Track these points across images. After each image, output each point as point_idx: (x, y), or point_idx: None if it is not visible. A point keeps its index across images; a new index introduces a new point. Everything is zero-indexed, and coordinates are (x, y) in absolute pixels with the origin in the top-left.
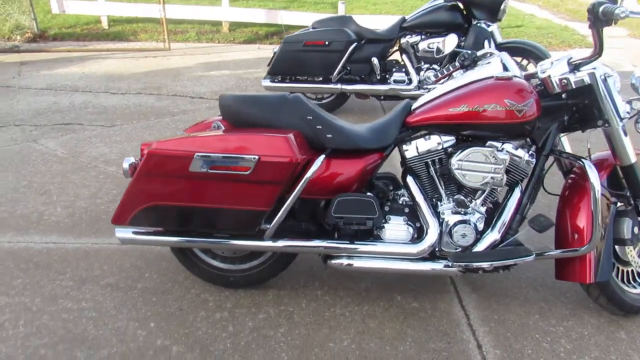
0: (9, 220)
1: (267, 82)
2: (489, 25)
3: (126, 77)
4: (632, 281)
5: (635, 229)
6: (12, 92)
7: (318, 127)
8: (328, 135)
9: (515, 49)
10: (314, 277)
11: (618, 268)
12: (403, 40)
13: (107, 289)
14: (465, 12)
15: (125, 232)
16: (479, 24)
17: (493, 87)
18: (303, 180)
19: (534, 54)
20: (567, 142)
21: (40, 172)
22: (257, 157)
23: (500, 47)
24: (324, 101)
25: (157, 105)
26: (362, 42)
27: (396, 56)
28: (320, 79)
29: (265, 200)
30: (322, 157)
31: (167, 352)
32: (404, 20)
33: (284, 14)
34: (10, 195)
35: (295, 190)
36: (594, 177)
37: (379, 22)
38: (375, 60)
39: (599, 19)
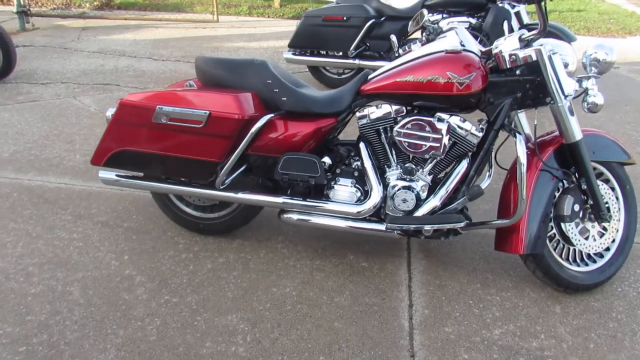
0: (34, 162)
1: (288, 55)
2: (514, 6)
3: (171, 46)
4: (578, 260)
5: (576, 207)
6: (68, 53)
7: (275, 90)
8: (283, 98)
9: None
10: (279, 233)
11: (564, 246)
12: (425, 18)
13: (98, 225)
14: None
15: (107, 174)
16: (500, 4)
17: (439, 59)
18: (248, 135)
19: (558, 37)
20: (524, 119)
21: (72, 123)
22: (208, 112)
23: (525, 28)
24: (343, 76)
25: (190, 72)
26: (382, 19)
27: (418, 35)
28: (340, 53)
29: (217, 152)
30: (269, 116)
31: (131, 280)
32: None
33: None
34: (41, 142)
35: (241, 144)
36: (521, 152)
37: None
38: (393, 37)
39: None
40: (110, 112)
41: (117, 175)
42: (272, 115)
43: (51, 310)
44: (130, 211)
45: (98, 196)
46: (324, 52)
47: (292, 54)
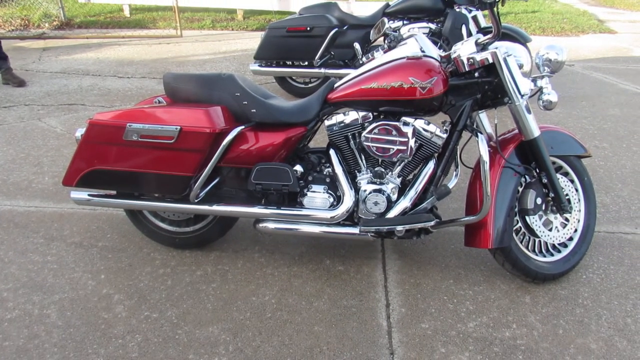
0: (1, 186)
1: (254, 67)
2: (471, 11)
3: (135, 63)
4: (544, 251)
5: (539, 200)
6: (30, 75)
7: (244, 102)
8: (252, 110)
9: None
10: (256, 242)
11: (529, 238)
12: (386, 26)
13: (72, 246)
14: None
15: (79, 194)
16: (458, 9)
17: (400, 66)
18: (220, 148)
19: (514, 39)
20: (486, 119)
21: (38, 146)
22: (179, 127)
23: (482, 31)
24: (310, 85)
25: (157, 88)
26: (345, 27)
27: (381, 41)
28: (305, 63)
29: (190, 167)
30: (239, 128)
31: (109, 299)
32: (387, 6)
33: (296, 1)
34: (7, 166)
35: (214, 157)
36: (484, 150)
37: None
38: (357, 45)
39: (482, 2)
40: (79, 132)
41: (89, 195)
42: (243, 127)
43: (29, 335)
44: (104, 230)
45: (70, 217)
46: (290, 63)
47: (259, 65)
